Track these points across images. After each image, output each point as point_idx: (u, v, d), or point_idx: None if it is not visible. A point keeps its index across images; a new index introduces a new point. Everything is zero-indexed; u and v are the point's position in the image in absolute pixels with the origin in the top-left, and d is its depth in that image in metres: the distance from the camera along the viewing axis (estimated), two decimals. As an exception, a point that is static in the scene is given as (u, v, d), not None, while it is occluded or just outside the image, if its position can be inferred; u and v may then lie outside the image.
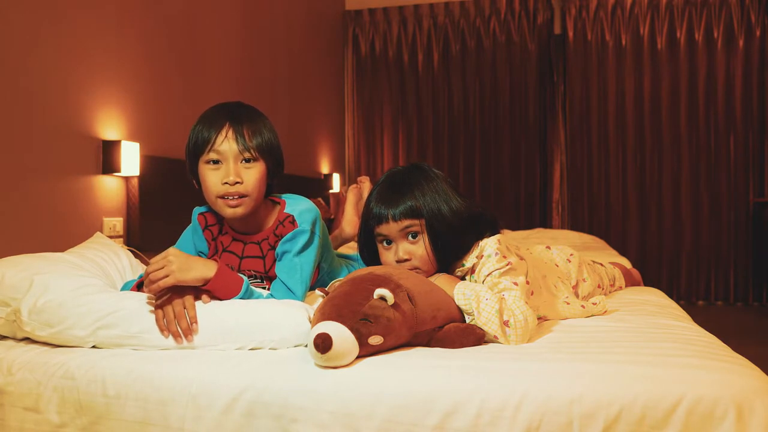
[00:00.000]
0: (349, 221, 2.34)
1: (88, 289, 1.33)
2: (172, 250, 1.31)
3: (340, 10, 5.48)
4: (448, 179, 1.48)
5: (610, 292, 1.95)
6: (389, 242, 1.44)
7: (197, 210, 1.60)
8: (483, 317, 1.26)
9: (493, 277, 1.34)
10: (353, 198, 2.37)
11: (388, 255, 1.45)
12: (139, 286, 1.42)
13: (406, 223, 1.40)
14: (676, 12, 4.88)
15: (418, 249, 1.41)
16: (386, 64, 5.44)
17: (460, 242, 1.42)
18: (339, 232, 2.36)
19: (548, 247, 1.82)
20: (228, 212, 1.46)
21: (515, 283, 1.32)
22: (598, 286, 1.85)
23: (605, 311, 1.61)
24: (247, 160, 1.45)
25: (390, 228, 1.41)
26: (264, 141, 1.47)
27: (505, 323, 1.25)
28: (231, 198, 1.44)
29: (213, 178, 1.44)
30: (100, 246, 1.71)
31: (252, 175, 1.46)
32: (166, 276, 1.26)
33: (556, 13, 5.13)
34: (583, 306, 1.59)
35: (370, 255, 1.51)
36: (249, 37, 3.67)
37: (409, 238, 1.42)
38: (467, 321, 1.31)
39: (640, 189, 4.97)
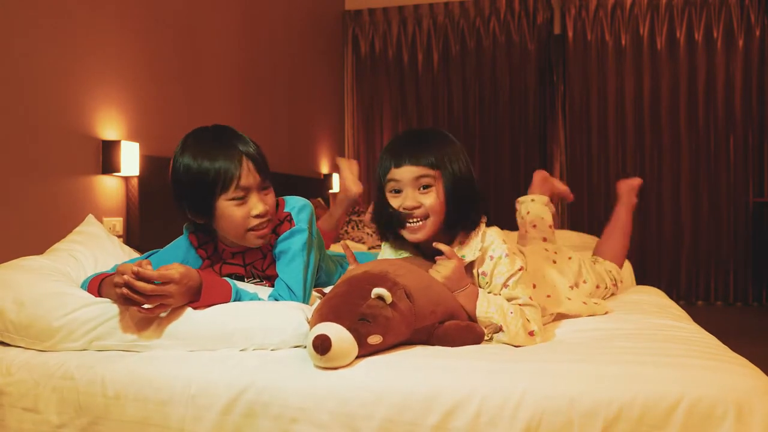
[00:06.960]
0: (354, 181, 2.25)
1: (66, 299, 1.28)
2: (176, 277, 1.21)
3: (339, 10, 5.48)
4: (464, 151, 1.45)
5: (612, 294, 1.95)
6: (398, 191, 1.40)
7: (188, 228, 1.54)
8: (512, 331, 1.28)
9: (510, 289, 1.35)
10: (350, 166, 2.32)
11: (394, 201, 1.40)
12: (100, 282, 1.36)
13: (423, 171, 1.36)
14: (676, 12, 4.88)
15: (428, 199, 1.37)
16: (386, 64, 5.43)
17: (473, 204, 1.39)
18: (344, 194, 2.27)
19: (546, 249, 1.82)
20: (258, 242, 1.44)
21: (531, 298, 1.36)
22: (597, 287, 1.84)
23: (606, 311, 1.61)
24: (266, 187, 1.43)
25: (403, 172, 1.37)
26: (267, 161, 1.43)
27: (530, 333, 1.29)
28: (262, 228, 1.42)
29: (241, 213, 1.39)
30: (85, 238, 1.67)
31: (271, 198, 1.44)
32: (164, 306, 1.22)
33: (556, 13, 5.13)
34: (584, 302, 1.59)
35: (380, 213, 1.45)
36: (249, 38, 3.66)
37: (421, 189, 1.38)
38: (486, 335, 1.29)
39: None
